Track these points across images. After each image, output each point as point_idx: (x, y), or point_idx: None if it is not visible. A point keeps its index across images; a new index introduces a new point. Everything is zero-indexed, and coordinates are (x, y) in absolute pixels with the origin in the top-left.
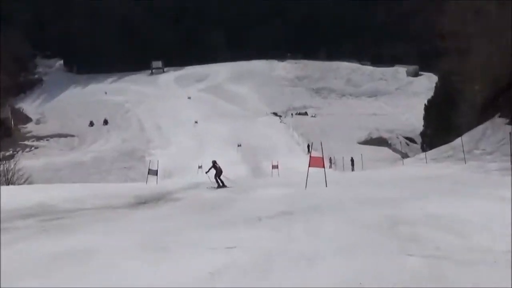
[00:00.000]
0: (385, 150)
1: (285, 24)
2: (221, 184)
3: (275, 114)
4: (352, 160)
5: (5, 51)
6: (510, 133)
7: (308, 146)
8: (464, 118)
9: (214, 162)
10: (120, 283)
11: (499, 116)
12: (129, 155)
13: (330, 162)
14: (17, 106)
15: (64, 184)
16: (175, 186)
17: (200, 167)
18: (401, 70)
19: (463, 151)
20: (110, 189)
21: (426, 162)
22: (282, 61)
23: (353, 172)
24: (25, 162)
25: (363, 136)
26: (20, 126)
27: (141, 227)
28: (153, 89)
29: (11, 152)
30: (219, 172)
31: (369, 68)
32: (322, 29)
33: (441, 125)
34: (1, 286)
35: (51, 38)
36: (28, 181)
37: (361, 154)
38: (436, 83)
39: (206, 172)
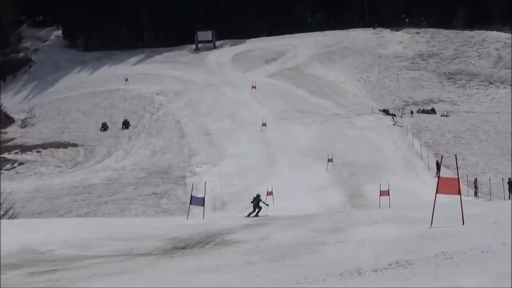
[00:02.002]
0: None
1: None
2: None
3: (386, 112)
4: (510, 183)
5: None
6: None
7: (438, 164)
8: None
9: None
10: None
11: None
12: (162, 175)
13: (475, 186)
14: None
15: (62, 219)
16: (231, 223)
17: (269, 193)
18: None
19: None
20: (132, 226)
21: None
22: (397, 31)
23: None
24: (4, 185)
25: None
26: None
27: (179, 286)
28: (199, 74)
29: None
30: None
31: None
32: None
33: None
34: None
35: None
36: (8, 214)
37: (509, 178)
38: None
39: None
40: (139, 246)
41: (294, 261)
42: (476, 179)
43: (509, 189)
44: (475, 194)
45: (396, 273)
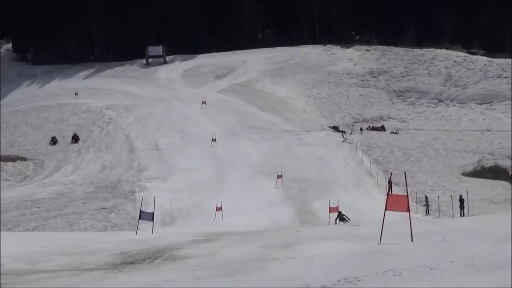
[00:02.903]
0: (504, 187)
1: None
2: None
3: (336, 128)
4: (461, 200)
5: None
6: None
7: (390, 182)
8: None
9: None
10: None
11: None
12: (111, 189)
13: (426, 204)
14: None
15: (10, 233)
16: (180, 238)
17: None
18: None
19: None
20: (80, 241)
21: None
22: (348, 48)
23: (462, 218)
24: None
25: (470, 164)
26: None
27: None
28: (149, 89)
29: None
30: None
31: (481, 59)
32: None
33: None
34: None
35: None
36: None
37: (467, 192)
38: None
39: None
40: (87, 261)
41: (243, 277)
42: (427, 197)
43: (460, 206)
44: (427, 212)
45: None
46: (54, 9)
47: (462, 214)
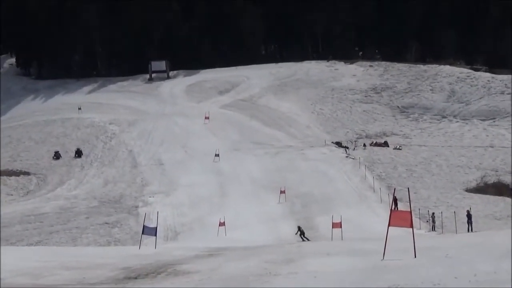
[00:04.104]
0: (507, 203)
1: (355, 6)
2: None
3: (339, 144)
4: (469, 215)
5: None
6: None
7: (395, 200)
8: None
9: None
10: None
11: None
12: (114, 204)
13: (432, 220)
14: None
15: (13, 247)
16: (183, 253)
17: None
18: None
19: None
20: (83, 255)
21: None
22: (351, 64)
23: (466, 234)
24: None
25: (473, 180)
26: None
27: None
28: (153, 104)
29: None
30: None
31: (484, 76)
32: (411, 12)
33: None
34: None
35: None
36: None
37: (470, 208)
38: None
39: None
40: (91, 276)
41: None
42: (433, 214)
43: (467, 221)
44: (433, 228)
45: None
46: (57, 24)
47: (470, 230)
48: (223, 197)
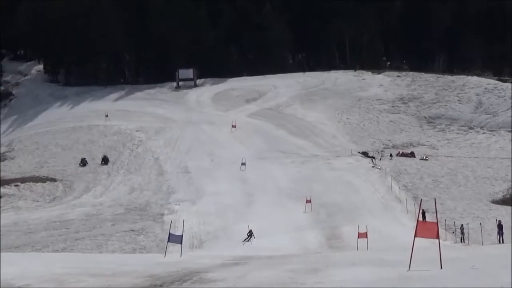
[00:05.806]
0: None
1: (380, 13)
2: None
3: (365, 154)
4: (500, 226)
5: None
6: None
7: (423, 212)
8: None
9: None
10: None
11: None
12: (140, 212)
13: (461, 232)
14: None
15: (39, 254)
16: (209, 261)
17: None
18: None
19: None
20: (109, 262)
21: None
22: (378, 74)
23: (493, 246)
24: None
25: (500, 191)
26: None
27: None
28: (179, 112)
29: None
30: None
31: None
32: (437, 20)
33: None
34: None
35: (25, 30)
36: None
37: (497, 220)
38: None
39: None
40: (116, 283)
41: None
42: (462, 225)
43: (498, 232)
44: (462, 240)
45: None
46: (86, 31)
47: (501, 241)
48: (249, 205)
